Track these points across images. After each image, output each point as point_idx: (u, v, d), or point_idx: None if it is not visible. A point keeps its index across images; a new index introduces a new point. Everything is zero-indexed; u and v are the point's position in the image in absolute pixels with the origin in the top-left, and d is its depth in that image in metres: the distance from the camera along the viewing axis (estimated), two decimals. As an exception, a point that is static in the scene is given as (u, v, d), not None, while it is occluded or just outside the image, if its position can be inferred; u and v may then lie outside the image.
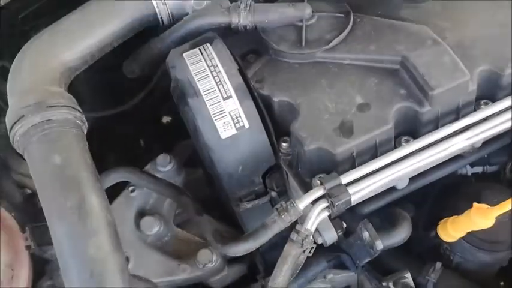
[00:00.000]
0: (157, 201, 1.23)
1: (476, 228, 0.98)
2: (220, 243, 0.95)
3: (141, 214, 1.20)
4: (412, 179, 1.00)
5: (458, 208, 1.00)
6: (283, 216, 0.89)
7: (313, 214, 0.91)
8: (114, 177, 1.12)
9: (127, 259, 1.13)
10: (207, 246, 1.14)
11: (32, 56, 0.99)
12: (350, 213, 0.99)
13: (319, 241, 0.98)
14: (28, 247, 0.99)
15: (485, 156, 1.08)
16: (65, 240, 0.81)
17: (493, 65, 0.96)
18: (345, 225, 1.01)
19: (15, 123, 0.89)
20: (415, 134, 0.95)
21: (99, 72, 1.31)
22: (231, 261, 1.19)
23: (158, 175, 1.20)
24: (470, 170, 1.14)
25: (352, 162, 0.93)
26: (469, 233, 1.01)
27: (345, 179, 0.90)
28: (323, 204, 0.91)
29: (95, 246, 0.80)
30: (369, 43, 0.97)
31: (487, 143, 1.02)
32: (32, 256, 1.00)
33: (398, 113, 0.93)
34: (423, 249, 1.11)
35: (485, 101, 0.98)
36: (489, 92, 0.98)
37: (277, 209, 0.91)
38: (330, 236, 0.99)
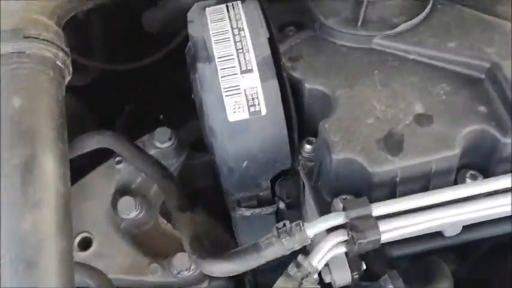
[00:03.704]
0: (145, 182, 0.96)
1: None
2: (196, 255, 0.67)
3: (121, 192, 0.93)
4: (467, 228, 0.70)
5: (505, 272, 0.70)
6: (283, 240, 0.60)
7: (324, 247, 0.62)
8: (96, 141, 0.85)
9: (90, 242, 0.86)
10: (189, 249, 0.85)
11: None
12: (373, 250, 0.69)
13: (327, 280, 0.69)
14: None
15: None
16: None
17: None
18: (364, 266, 0.71)
19: None
20: (485, 171, 0.65)
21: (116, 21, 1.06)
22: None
23: (152, 151, 0.93)
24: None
25: (392, 191, 0.64)
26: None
27: (378, 210, 0.60)
28: (341, 236, 0.62)
29: (32, 222, 0.59)
30: (447, 38, 0.68)
31: None
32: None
33: (470, 137, 0.63)
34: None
35: None
36: None
37: (277, 228, 0.62)
38: (343, 277, 0.70)
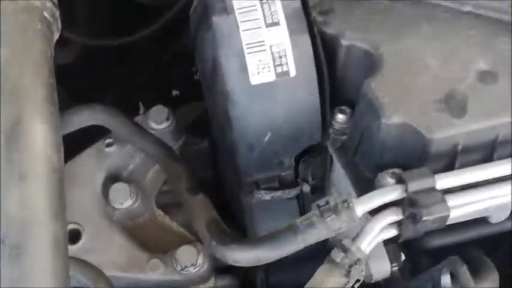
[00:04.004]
0: (139, 168, 0.83)
1: None
2: (216, 241, 0.55)
3: (113, 179, 0.80)
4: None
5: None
6: (328, 219, 0.49)
7: (374, 228, 0.51)
8: (86, 117, 0.72)
9: (78, 234, 0.73)
10: (193, 242, 0.74)
11: None
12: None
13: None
14: None
15: None
16: None
17: None
18: (403, 257, 0.61)
19: None
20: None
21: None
22: (221, 271, 0.79)
23: (148, 133, 0.80)
24: None
25: (450, 163, 0.53)
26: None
27: (443, 182, 0.50)
28: (395, 215, 0.51)
29: (19, 198, 0.47)
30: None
31: None
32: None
33: (542, 97, 0.54)
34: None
35: None
36: None
37: (319, 206, 0.51)
38: (381, 269, 0.59)
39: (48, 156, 0.49)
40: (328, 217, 0.50)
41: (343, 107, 0.63)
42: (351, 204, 0.51)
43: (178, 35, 1.12)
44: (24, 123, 0.49)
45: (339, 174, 0.66)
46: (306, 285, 0.51)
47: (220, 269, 0.78)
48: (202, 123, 0.93)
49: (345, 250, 0.51)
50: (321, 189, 0.71)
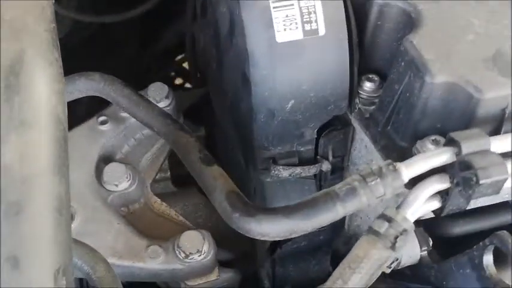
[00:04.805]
0: (134, 150, 0.78)
1: None
2: (240, 211, 0.48)
3: (106, 161, 0.74)
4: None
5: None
6: (372, 183, 0.44)
7: (421, 195, 0.46)
8: (83, 86, 0.65)
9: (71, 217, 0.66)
10: (196, 228, 0.69)
11: None
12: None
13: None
14: None
15: None
16: None
17: None
18: (431, 241, 0.57)
19: None
20: None
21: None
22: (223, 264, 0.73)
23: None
24: None
25: (496, 127, 0.49)
26: None
27: (498, 145, 0.45)
28: (441, 183, 0.46)
29: (18, 147, 0.40)
30: None
31: None
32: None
33: None
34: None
35: None
36: None
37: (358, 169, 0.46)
38: (410, 254, 0.55)
39: (53, 105, 0.43)
40: (371, 181, 0.45)
41: (371, 75, 0.59)
42: (397, 167, 0.45)
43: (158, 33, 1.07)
44: (26, 62, 0.42)
45: (362, 150, 0.62)
46: (344, 260, 0.46)
47: (220, 262, 0.72)
48: (197, 110, 0.87)
49: (389, 220, 0.46)
50: (340, 169, 0.66)
